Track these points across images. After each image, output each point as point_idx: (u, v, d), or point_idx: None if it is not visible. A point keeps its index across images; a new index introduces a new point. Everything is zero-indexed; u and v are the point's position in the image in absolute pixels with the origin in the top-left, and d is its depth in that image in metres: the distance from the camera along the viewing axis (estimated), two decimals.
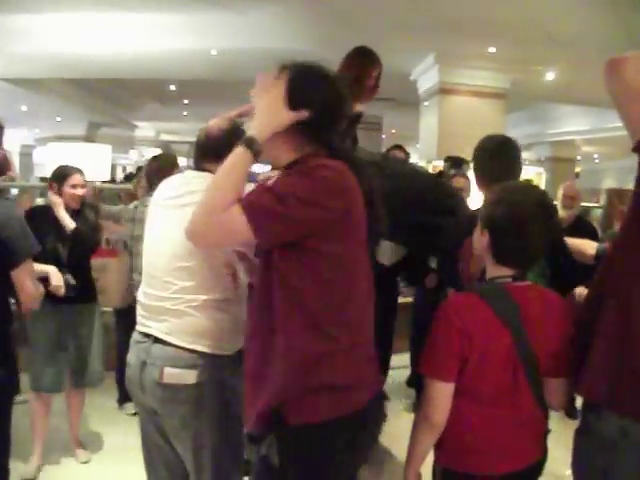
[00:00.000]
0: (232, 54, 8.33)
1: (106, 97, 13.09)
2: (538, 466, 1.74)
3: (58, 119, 14.58)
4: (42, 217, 3.28)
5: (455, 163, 5.11)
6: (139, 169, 13.70)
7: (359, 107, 3.31)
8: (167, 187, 2.16)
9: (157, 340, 1.96)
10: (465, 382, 1.63)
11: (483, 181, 2.36)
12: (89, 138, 14.17)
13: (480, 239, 1.73)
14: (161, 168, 3.58)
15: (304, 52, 7.88)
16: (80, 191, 3.39)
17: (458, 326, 1.61)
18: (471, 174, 2.62)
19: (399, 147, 4.81)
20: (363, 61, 3.11)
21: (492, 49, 7.71)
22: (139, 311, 2.08)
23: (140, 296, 2.09)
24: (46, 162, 7.40)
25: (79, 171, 3.44)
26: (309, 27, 7.34)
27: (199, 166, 2.14)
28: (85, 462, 3.50)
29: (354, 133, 3.43)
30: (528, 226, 1.63)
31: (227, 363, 1.98)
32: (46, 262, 3.03)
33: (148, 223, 2.15)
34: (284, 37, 7.56)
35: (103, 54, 8.39)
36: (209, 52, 8.26)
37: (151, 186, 3.52)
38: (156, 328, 1.98)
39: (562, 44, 7.05)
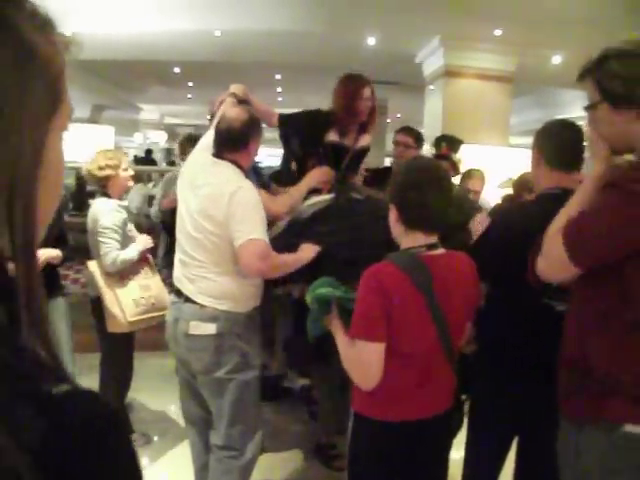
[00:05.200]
0: (236, 35, 8.26)
1: (110, 79, 13.03)
2: (446, 416, 1.93)
3: None
4: None
5: (452, 144, 4.70)
6: (148, 152, 13.73)
7: (366, 139, 3.18)
8: (190, 172, 2.54)
9: (187, 300, 2.42)
10: (388, 341, 1.76)
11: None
12: (93, 120, 14.11)
13: (391, 215, 1.91)
14: None
15: (309, 33, 7.86)
16: None
17: (379, 288, 1.74)
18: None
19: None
20: (349, 88, 3.02)
21: (498, 31, 7.63)
22: (176, 273, 2.53)
23: (176, 261, 2.53)
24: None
25: None
26: (314, 8, 7.27)
27: (218, 154, 2.46)
28: None
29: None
30: (427, 193, 1.80)
31: (242, 319, 2.43)
32: None
33: (179, 203, 2.54)
34: (288, 18, 7.50)
35: (107, 35, 8.34)
36: (212, 33, 8.19)
37: None
38: (186, 289, 2.44)
39: (569, 27, 6.98)
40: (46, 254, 3.06)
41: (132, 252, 3.23)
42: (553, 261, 1.60)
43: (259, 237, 2.31)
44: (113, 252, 3.16)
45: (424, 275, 1.77)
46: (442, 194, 1.83)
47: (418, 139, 4.00)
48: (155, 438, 3.70)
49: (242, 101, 2.76)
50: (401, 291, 1.74)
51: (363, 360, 1.78)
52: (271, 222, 2.61)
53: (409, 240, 1.86)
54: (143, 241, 3.35)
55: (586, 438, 1.58)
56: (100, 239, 3.16)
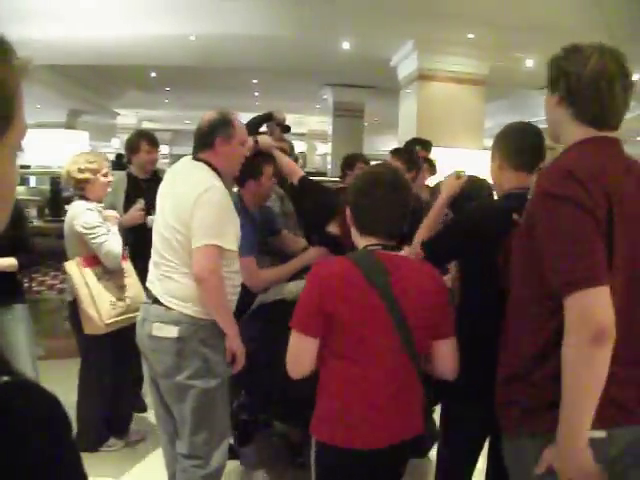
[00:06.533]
0: (211, 39, 8.30)
1: (87, 84, 12.96)
2: (416, 442, 1.81)
3: (38, 106, 14.42)
4: None
5: (425, 146, 4.74)
6: (119, 157, 13.62)
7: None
8: (172, 174, 2.55)
9: (155, 301, 2.39)
10: (340, 344, 1.73)
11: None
12: (69, 126, 13.99)
13: (349, 218, 1.90)
14: None
15: (284, 38, 7.90)
16: None
17: (321, 285, 1.73)
18: None
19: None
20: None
21: (471, 35, 7.75)
22: (149, 275, 2.49)
23: (150, 263, 2.50)
24: (24, 149, 7.33)
25: None
26: (289, 13, 7.34)
27: (195, 155, 2.46)
28: None
29: None
30: (378, 199, 1.80)
31: (208, 326, 2.35)
32: None
33: (157, 204, 2.51)
34: (264, 22, 7.56)
35: (82, 40, 8.32)
36: (188, 38, 8.21)
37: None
38: (155, 291, 2.40)
39: (541, 31, 7.10)
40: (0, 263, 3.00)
41: (118, 243, 3.15)
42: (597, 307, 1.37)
43: (217, 244, 2.27)
44: (112, 251, 3.08)
45: (378, 270, 1.73)
46: (394, 201, 1.82)
47: (410, 162, 3.54)
48: (133, 443, 3.64)
49: (265, 153, 2.90)
50: (351, 288, 1.72)
51: (292, 350, 1.78)
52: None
53: (364, 241, 1.85)
54: (112, 220, 3.22)
55: (527, 448, 1.57)
56: (94, 241, 3.07)
